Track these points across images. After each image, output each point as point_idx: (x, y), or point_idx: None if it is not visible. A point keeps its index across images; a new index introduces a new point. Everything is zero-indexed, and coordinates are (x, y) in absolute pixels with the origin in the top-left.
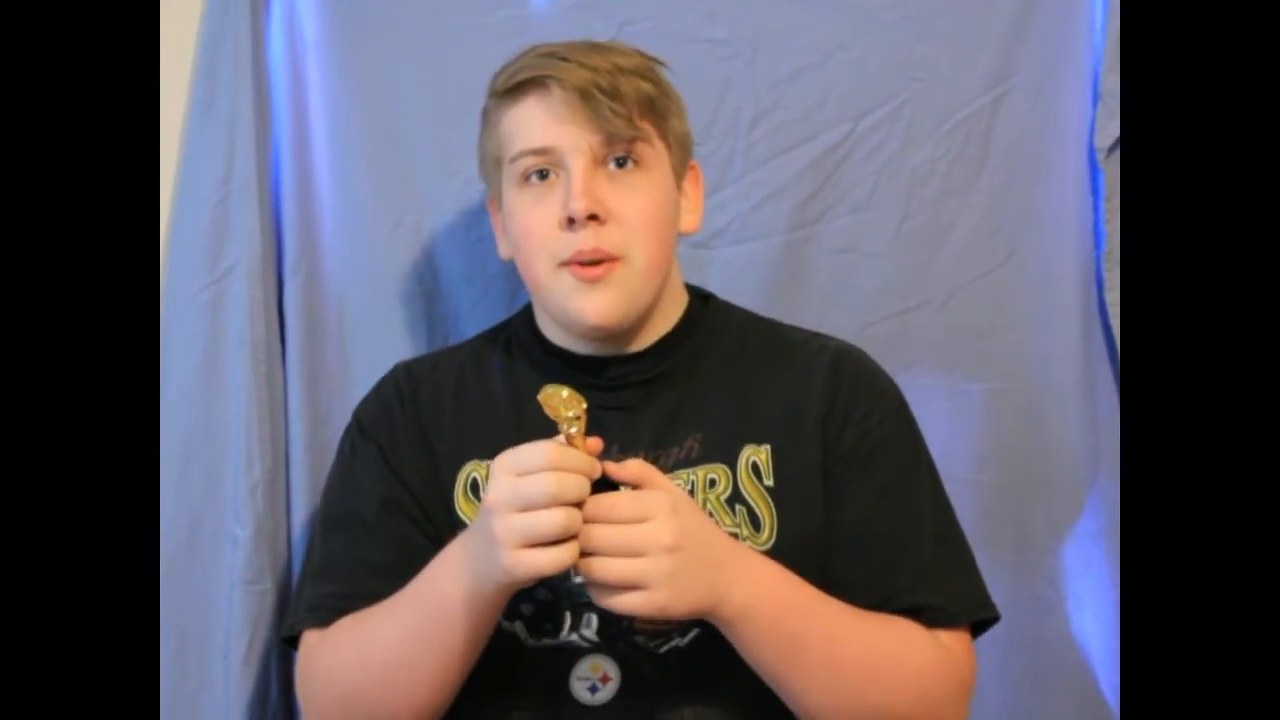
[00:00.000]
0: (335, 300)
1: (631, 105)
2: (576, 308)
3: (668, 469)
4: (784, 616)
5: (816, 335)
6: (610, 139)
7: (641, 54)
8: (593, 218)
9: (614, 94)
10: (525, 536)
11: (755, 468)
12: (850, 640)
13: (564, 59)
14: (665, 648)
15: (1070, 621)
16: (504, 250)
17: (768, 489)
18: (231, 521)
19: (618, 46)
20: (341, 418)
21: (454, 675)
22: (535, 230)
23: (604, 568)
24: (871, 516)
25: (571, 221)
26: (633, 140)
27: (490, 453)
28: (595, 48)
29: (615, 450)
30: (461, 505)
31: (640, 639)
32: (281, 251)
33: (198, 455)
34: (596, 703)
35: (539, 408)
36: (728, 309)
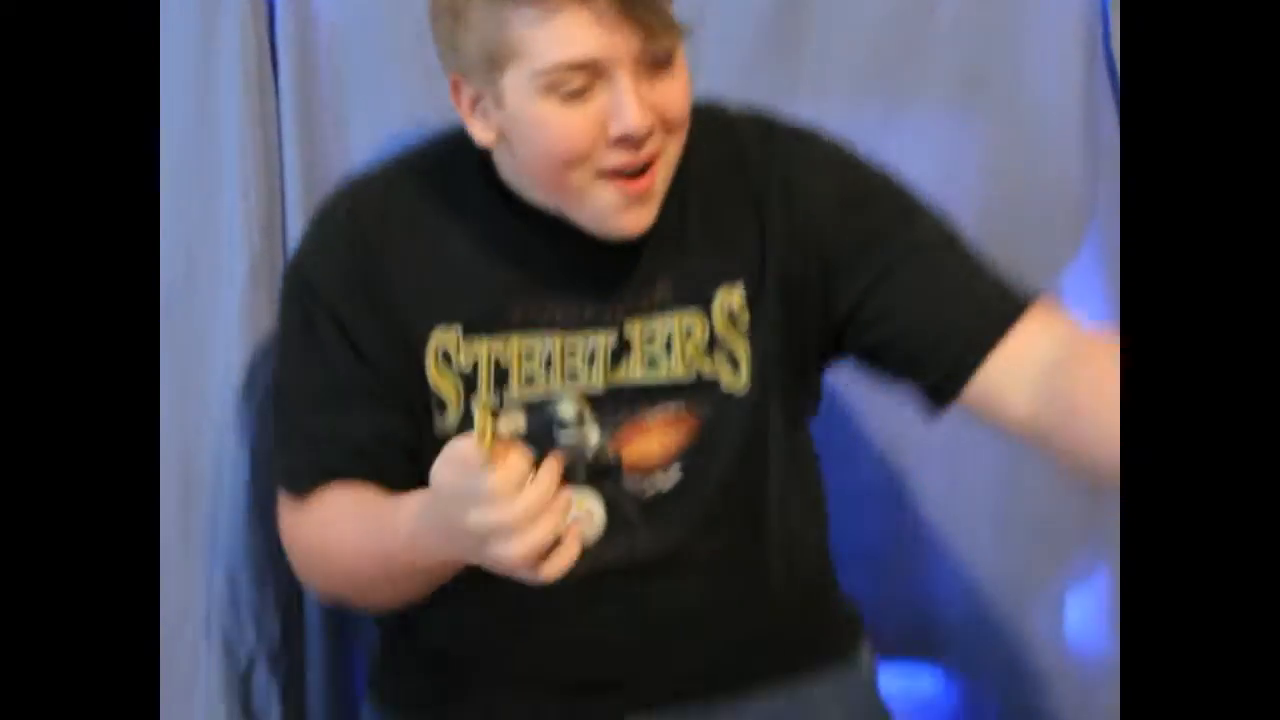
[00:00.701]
0: (327, 26)
1: (669, 7)
2: (617, 224)
3: (643, 314)
4: None
5: (764, 131)
6: (653, 42)
7: None
8: (649, 132)
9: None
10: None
11: (730, 311)
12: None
13: None
14: (651, 493)
15: None
16: (484, 137)
17: (745, 333)
18: (228, 256)
19: None
20: (337, 155)
21: (423, 592)
22: (574, 144)
23: None
24: (920, 286)
25: (623, 139)
26: (672, 38)
27: (457, 317)
28: None
29: (591, 301)
30: (435, 380)
31: (629, 483)
32: None
33: (194, 188)
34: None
35: (513, 262)
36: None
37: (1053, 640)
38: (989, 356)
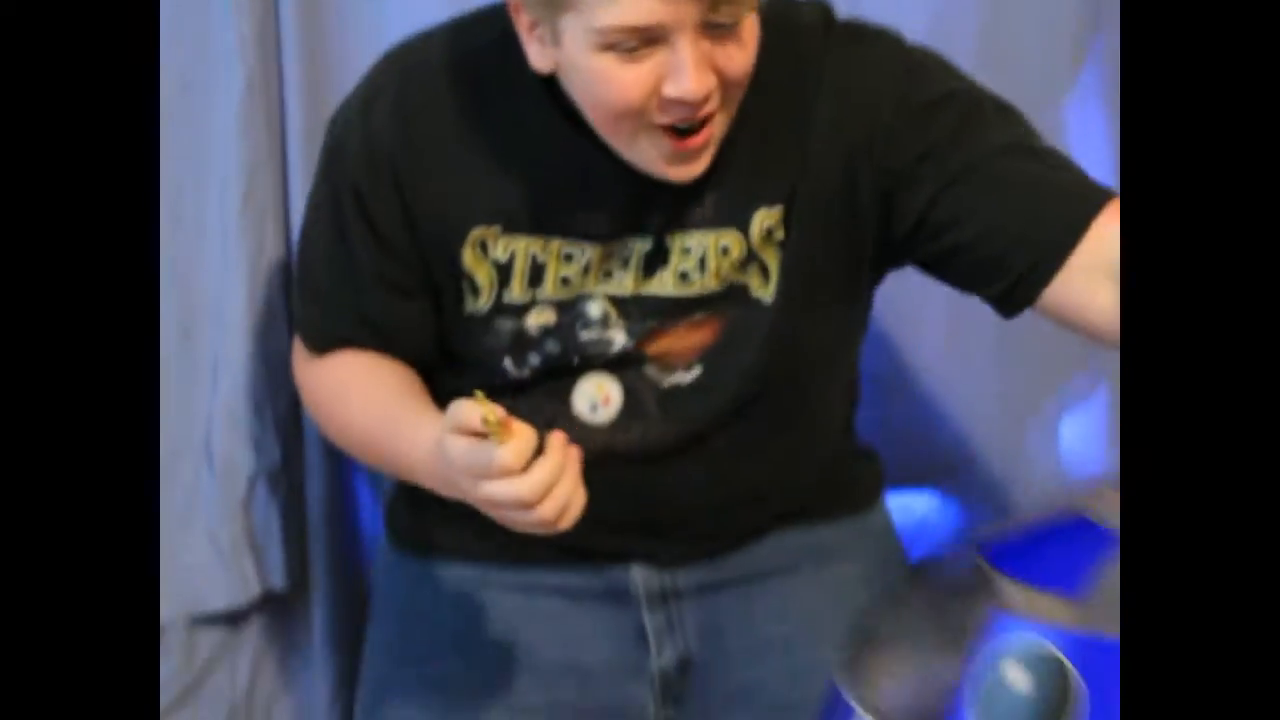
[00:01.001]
0: None
1: None
2: (665, 173)
3: (684, 228)
4: None
5: (823, 32)
6: (717, 12)
7: None
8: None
9: None
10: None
11: (769, 231)
12: None
13: None
14: (668, 382)
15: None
16: (540, 64)
17: (778, 244)
18: (224, 72)
19: None
20: None
21: None
22: (628, 101)
23: None
24: (990, 187)
25: (678, 101)
26: (740, 7)
27: (500, 219)
28: None
29: (633, 212)
30: (471, 266)
31: (650, 369)
32: None
33: (187, 11)
34: (594, 420)
35: (558, 166)
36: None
37: (1050, 461)
38: (1063, 264)
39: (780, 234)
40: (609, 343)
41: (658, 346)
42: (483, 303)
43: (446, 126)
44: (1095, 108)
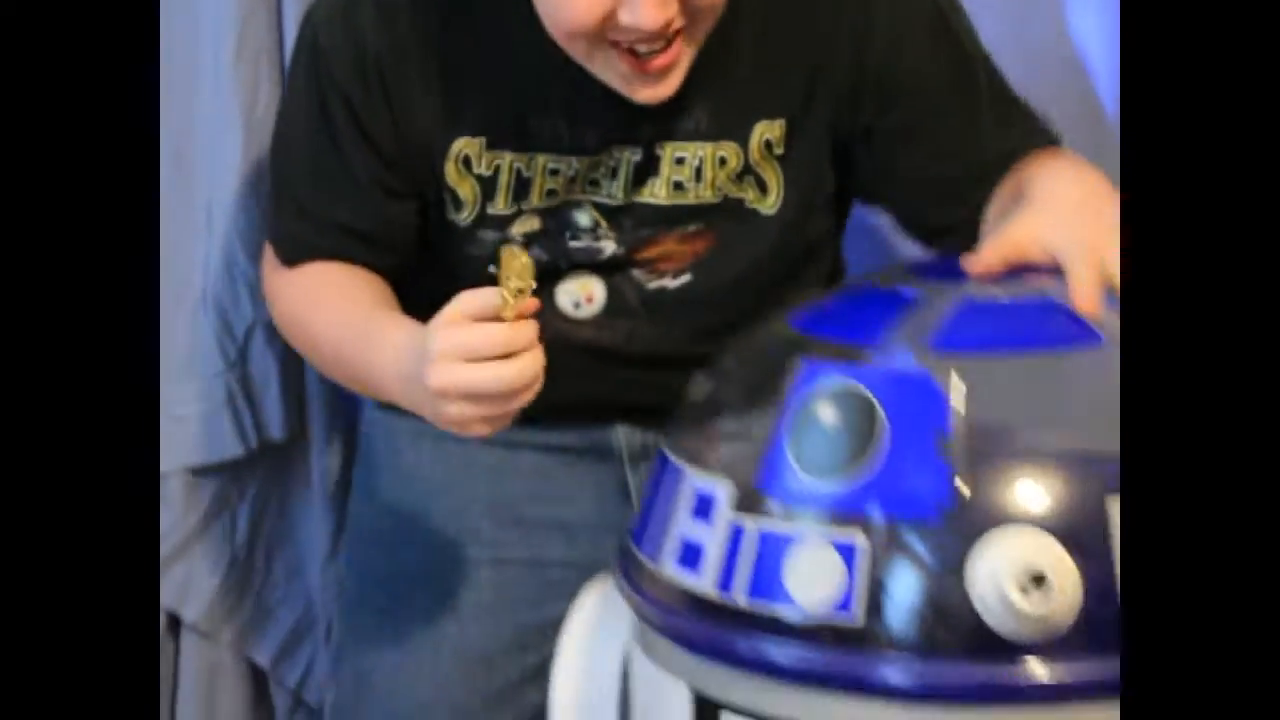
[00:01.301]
0: None
1: None
2: (630, 93)
3: (675, 139)
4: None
5: None
6: None
7: None
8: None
9: None
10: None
11: (768, 144)
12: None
13: None
14: (654, 284)
15: (1066, 25)
16: None
17: (778, 158)
18: None
19: None
20: None
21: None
22: (578, 20)
23: None
24: (933, 126)
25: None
26: None
27: (482, 131)
28: None
29: (621, 123)
30: (454, 181)
31: (636, 271)
32: None
33: None
34: (577, 315)
35: (540, 82)
36: None
37: (1049, 49)
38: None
39: (780, 148)
40: (598, 251)
41: (647, 254)
42: (465, 214)
43: (432, 33)
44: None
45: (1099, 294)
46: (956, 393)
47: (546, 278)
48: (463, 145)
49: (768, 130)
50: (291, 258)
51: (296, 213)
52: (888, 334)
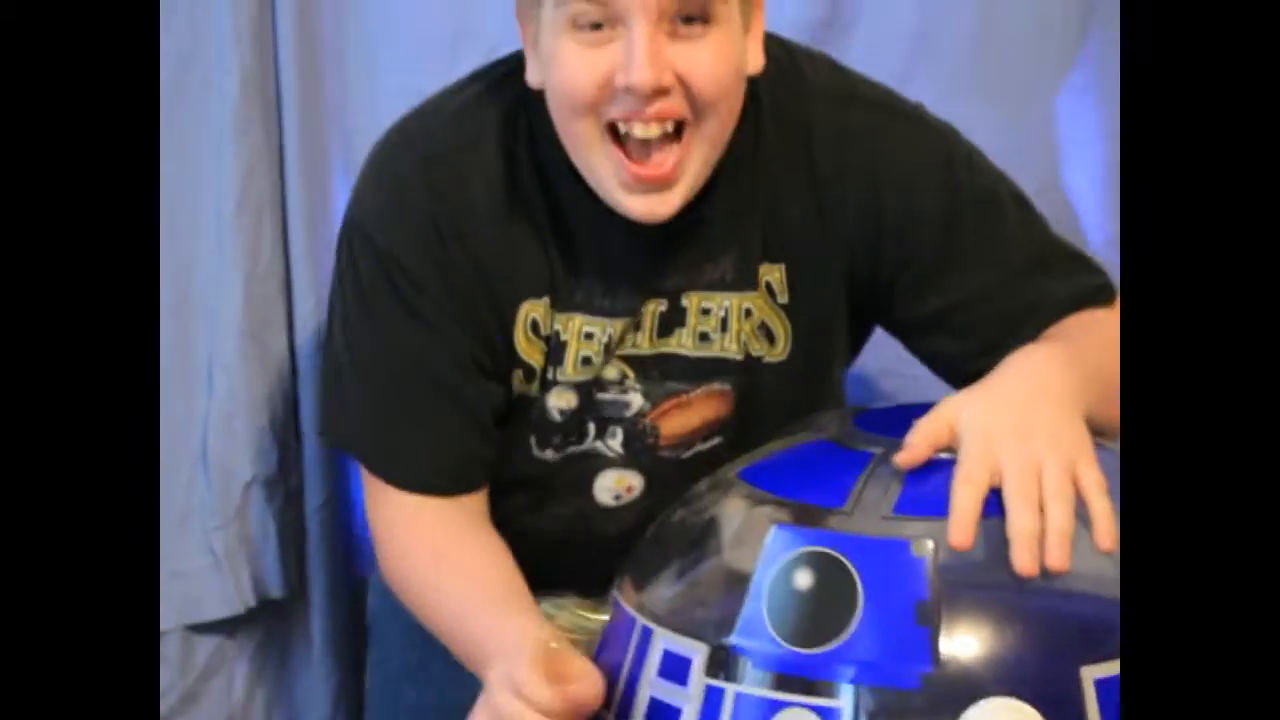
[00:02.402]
0: None
1: None
2: (626, 206)
3: (701, 289)
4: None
5: (842, 109)
6: None
7: None
8: (658, 91)
9: None
10: None
11: (770, 287)
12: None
13: None
14: (689, 453)
15: (1059, 175)
16: (533, 77)
17: (782, 306)
18: (218, 74)
19: None
20: None
21: None
22: (581, 85)
23: None
24: (981, 294)
25: (628, 90)
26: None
27: (544, 291)
28: None
29: (652, 282)
30: (522, 345)
31: (666, 452)
32: None
33: (181, 6)
34: (622, 505)
35: (579, 242)
36: (765, 92)
37: (1044, 191)
38: None
39: (784, 296)
40: (625, 405)
41: (673, 423)
42: (535, 383)
43: (480, 206)
44: (1088, 105)
45: (969, 519)
46: (931, 559)
47: (584, 467)
48: (529, 308)
49: (768, 274)
50: (393, 478)
51: (387, 423)
52: (853, 497)
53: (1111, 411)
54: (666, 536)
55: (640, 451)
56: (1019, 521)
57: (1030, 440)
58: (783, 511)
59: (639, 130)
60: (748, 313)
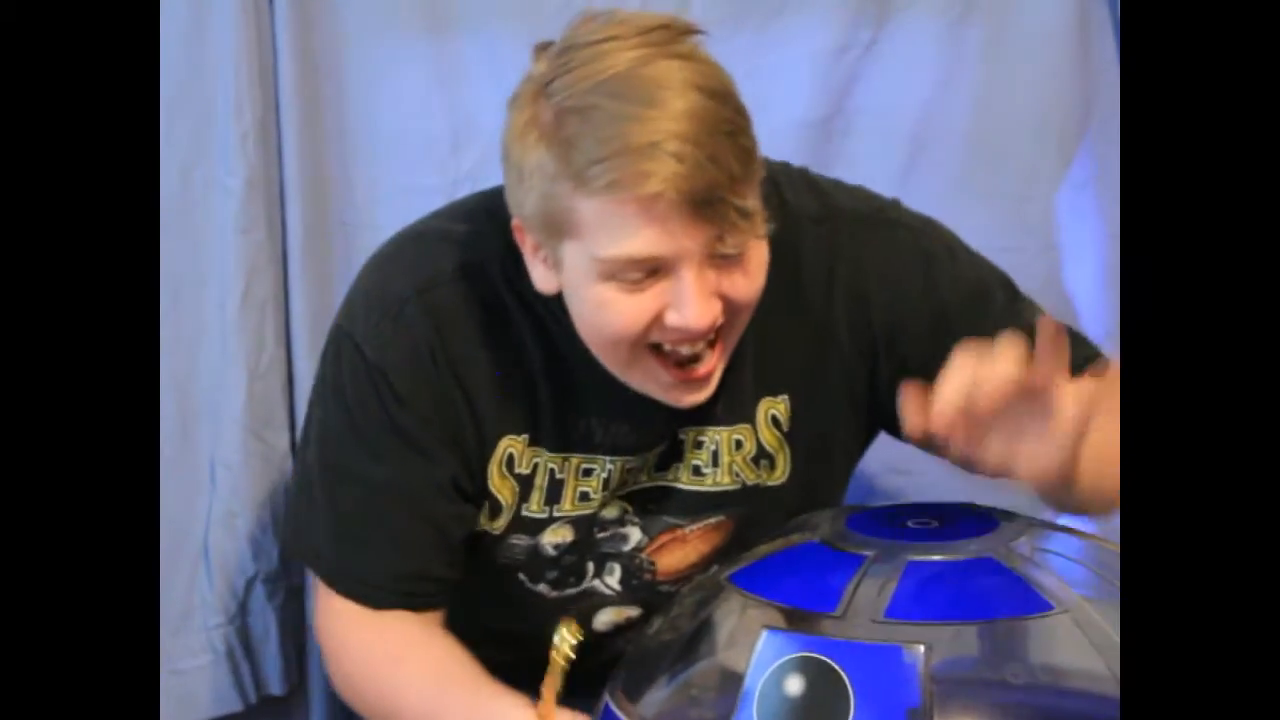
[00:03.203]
0: None
1: (751, 192)
2: (669, 399)
3: (695, 424)
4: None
5: (823, 230)
6: (724, 243)
7: (723, 84)
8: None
9: (734, 188)
10: None
11: (775, 420)
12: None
13: (670, 150)
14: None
15: (1059, 273)
16: (546, 286)
17: (784, 435)
18: (222, 172)
19: (707, 79)
20: (333, 61)
21: None
22: (629, 329)
23: None
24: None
25: (680, 330)
26: (748, 235)
27: (527, 429)
28: (693, 113)
29: (655, 423)
30: (494, 478)
31: (664, 587)
32: None
33: (187, 105)
34: (619, 633)
35: (577, 382)
36: None
37: (1041, 290)
38: None
39: (788, 426)
40: (623, 539)
41: (670, 559)
42: (501, 521)
43: (478, 332)
44: (1087, 201)
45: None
46: (924, 665)
47: (583, 604)
48: (508, 444)
49: (772, 406)
50: (378, 600)
51: (353, 541)
52: (845, 600)
53: (1110, 479)
54: (659, 639)
55: (638, 587)
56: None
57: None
58: (774, 615)
59: (686, 350)
60: (738, 444)
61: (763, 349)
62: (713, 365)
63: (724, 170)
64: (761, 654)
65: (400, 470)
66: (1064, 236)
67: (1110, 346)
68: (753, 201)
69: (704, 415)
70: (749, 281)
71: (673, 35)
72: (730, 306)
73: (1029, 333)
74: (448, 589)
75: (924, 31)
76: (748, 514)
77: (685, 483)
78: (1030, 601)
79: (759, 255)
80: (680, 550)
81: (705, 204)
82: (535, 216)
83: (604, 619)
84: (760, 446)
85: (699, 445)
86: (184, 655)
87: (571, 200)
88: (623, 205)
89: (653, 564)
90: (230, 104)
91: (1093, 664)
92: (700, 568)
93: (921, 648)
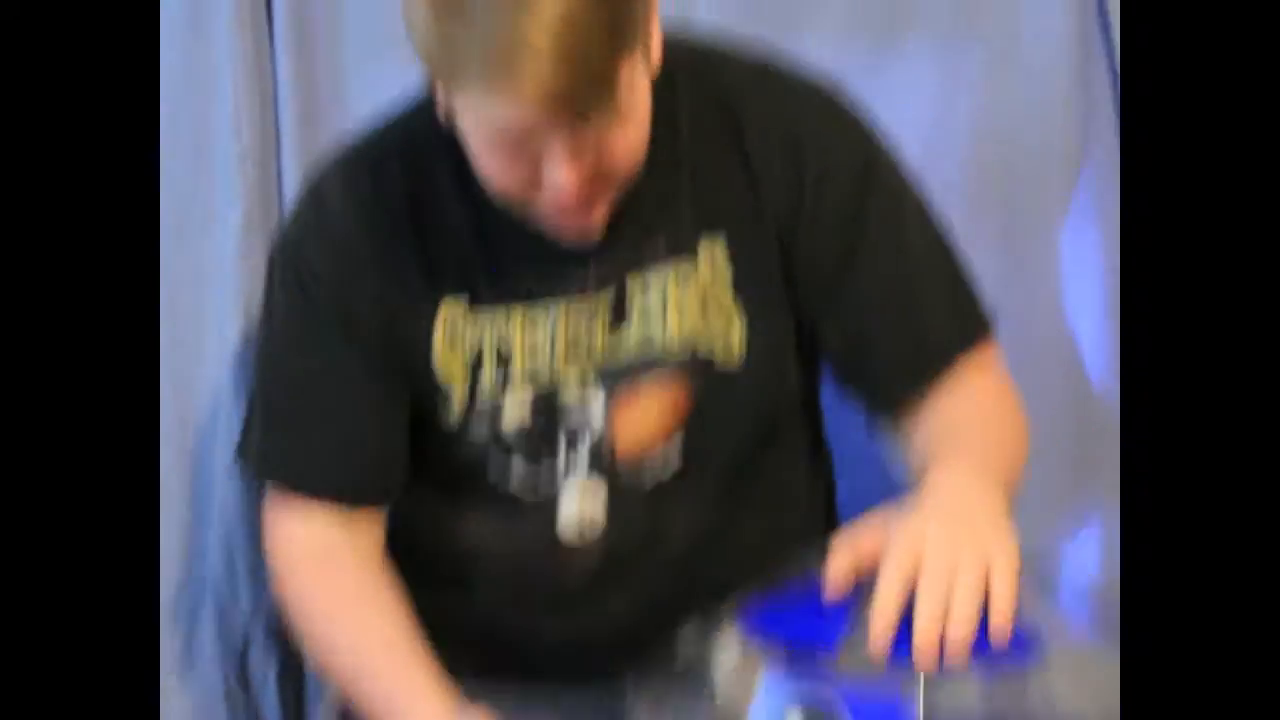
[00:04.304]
0: None
1: (622, 75)
2: (561, 237)
3: (640, 268)
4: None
5: (772, 83)
6: (585, 124)
7: None
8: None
9: (600, 83)
10: None
11: (713, 261)
12: (1006, 443)
13: (533, 53)
14: (651, 484)
15: (1060, 294)
16: (446, 121)
17: (732, 288)
18: (221, 200)
19: None
20: (332, 90)
21: None
22: (506, 187)
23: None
24: (881, 302)
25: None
26: (609, 117)
27: (465, 288)
28: (563, 17)
29: (592, 267)
30: (443, 355)
31: (625, 472)
32: None
33: (188, 135)
34: (585, 544)
35: (504, 232)
36: (671, 71)
37: (1042, 320)
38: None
39: (728, 273)
40: (591, 415)
41: (628, 426)
42: (456, 408)
43: (401, 203)
44: (1088, 232)
45: (892, 608)
46: (922, 707)
47: (544, 490)
48: (449, 311)
49: (711, 245)
50: (296, 484)
51: (291, 432)
52: (844, 642)
53: (1016, 481)
54: (660, 679)
55: (600, 467)
56: (924, 606)
57: (953, 539)
58: (774, 657)
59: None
60: (685, 278)
61: (701, 186)
62: (587, 218)
63: (590, 69)
64: (762, 698)
65: (327, 357)
66: (1065, 266)
67: (1111, 378)
68: (625, 81)
69: (648, 255)
70: (625, 145)
71: None
72: (606, 166)
73: (933, 258)
74: (382, 489)
75: (923, 58)
76: (703, 395)
77: (636, 331)
78: (1030, 647)
79: (637, 118)
80: (636, 410)
81: (569, 101)
82: (424, 63)
83: (569, 510)
84: (706, 291)
85: (645, 289)
86: (183, 694)
87: (447, 78)
88: (489, 97)
89: (611, 435)
90: (229, 135)
91: (1092, 709)
92: (660, 440)
93: (921, 690)
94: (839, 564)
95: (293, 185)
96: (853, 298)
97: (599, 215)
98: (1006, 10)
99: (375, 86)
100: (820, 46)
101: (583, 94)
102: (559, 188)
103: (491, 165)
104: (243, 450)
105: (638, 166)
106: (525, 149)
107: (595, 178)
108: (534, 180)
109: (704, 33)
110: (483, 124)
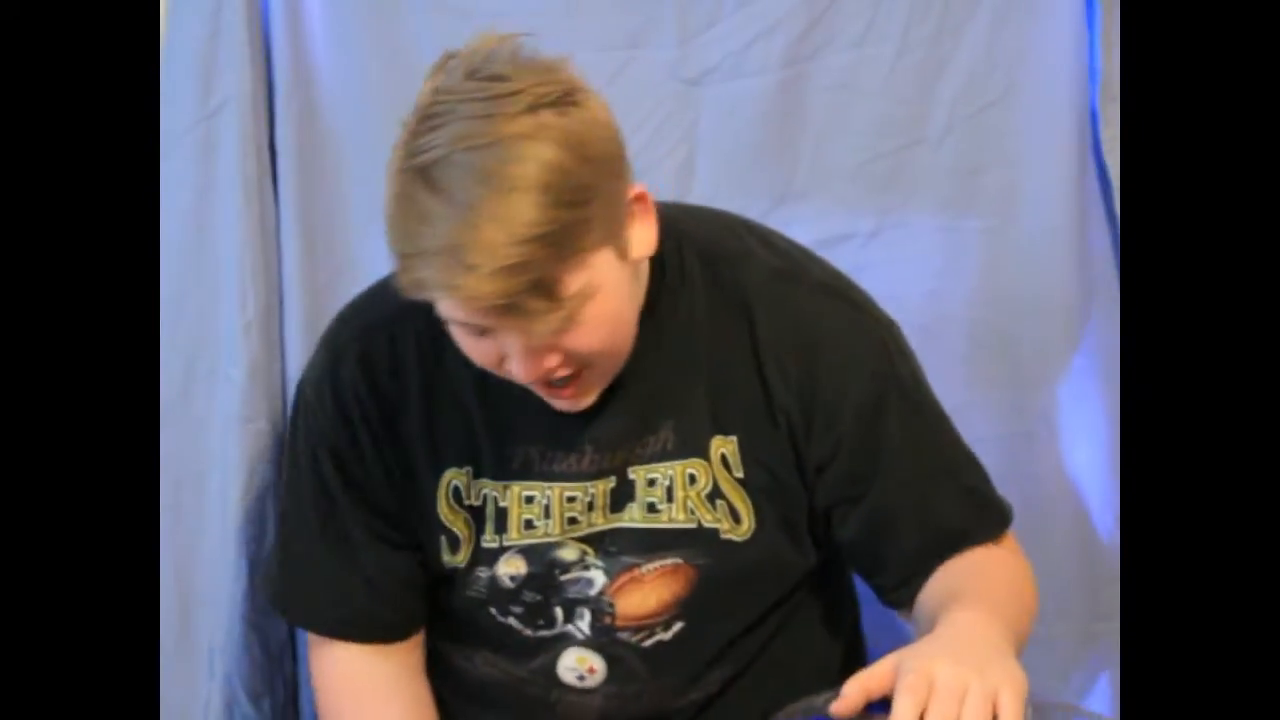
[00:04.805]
0: (329, 134)
1: (570, 275)
2: (552, 405)
3: (645, 462)
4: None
5: (788, 288)
6: (537, 329)
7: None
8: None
9: (538, 288)
10: None
11: (725, 460)
12: (1015, 598)
13: (467, 262)
14: (649, 641)
15: (1064, 458)
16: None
17: (738, 480)
18: (226, 362)
19: (539, 165)
20: (335, 255)
21: None
22: (478, 360)
23: None
24: (899, 505)
25: None
26: (559, 319)
27: (469, 462)
28: (503, 218)
29: (590, 452)
30: (445, 513)
31: (624, 634)
32: (273, 85)
33: (190, 295)
34: (586, 687)
35: (510, 410)
36: (689, 267)
37: (1047, 477)
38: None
39: (739, 471)
40: (589, 583)
41: (630, 601)
42: (462, 554)
43: (412, 376)
44: (1090, 390)
45: None
46: None
47: (545, 647)
48: (451, 476)
49: (723, 445)
50: (320, 626)
51: (308, 575)
52: None
53: (1025, 633)
54: None
55: (601, 631)
56: None
57: (962, 666)
58: None
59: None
60: (692, 479)
61: (717, 390)
62: (573, 394)
63: (530, 278)
64: None
65: (332, 513)
66: (1068, 421)
67: (1116, 529)
68: (572, 283)
69: (652, 452)
70: (587, 335)
71: (529, 99)
72: (572, 354)
73: (946, 461)
74: (394, 628)
75: (926, 222)
76: (709, 566)
77: (639, 520)
78: None
79: (596, 313)
80: (638, 593)
81: (505, 308)
82: (390, 253)
83: (567, 663)
84: (715, 485)
85: (651, 483)
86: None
87: (407, 272)
88: (442, 296)
89: (612, 606)
90: (234, 296)
91: None
92: (660, 617)
93: None
94: (851, 695)
95: (295, 348)
96: (869, 506)
97: (586, 390)
98: (1004, 178)
99: (380, 257)
100: (821, 217)
101: (522, 301)
102: (518, 376)
103: (464, 344)
104: (266, 584)
105: (617, 353)
106: (486, 336)
107: (565, 363)
108: (502, 361)
109: (709, 211)
110: (444, 313)
